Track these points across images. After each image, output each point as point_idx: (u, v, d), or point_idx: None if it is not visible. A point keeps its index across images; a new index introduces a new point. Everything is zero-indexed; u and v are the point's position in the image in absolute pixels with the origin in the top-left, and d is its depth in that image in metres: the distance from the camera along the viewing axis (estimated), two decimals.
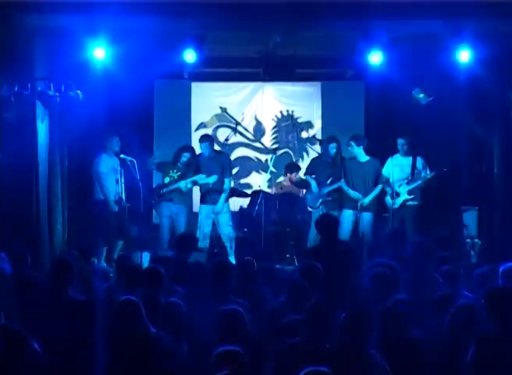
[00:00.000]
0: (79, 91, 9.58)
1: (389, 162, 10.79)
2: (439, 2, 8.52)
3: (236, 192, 11.35)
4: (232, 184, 11.23)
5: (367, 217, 10.41)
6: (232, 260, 9.82)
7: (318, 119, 12.71)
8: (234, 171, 12.10)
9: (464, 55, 9.35)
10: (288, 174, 11.48)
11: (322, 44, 10.16)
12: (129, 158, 10.36)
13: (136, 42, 9.43)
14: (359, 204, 10.34)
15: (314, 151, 12.09)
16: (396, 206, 10.58)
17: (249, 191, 11.73)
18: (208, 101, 12.68)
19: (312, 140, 12.41)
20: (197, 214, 11.47)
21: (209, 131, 12.62)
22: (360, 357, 4.76)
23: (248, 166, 12.68)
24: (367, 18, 8.75)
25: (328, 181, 10.70)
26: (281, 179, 11.97)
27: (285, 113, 12.73)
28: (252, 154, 12.62)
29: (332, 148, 10.79)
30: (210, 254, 9.72)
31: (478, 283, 6.58)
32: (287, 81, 12.33)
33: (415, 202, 10.71)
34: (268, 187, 11.99)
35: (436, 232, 8.34)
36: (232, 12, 8.56)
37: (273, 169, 12.07)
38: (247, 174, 12.65)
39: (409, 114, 11.30)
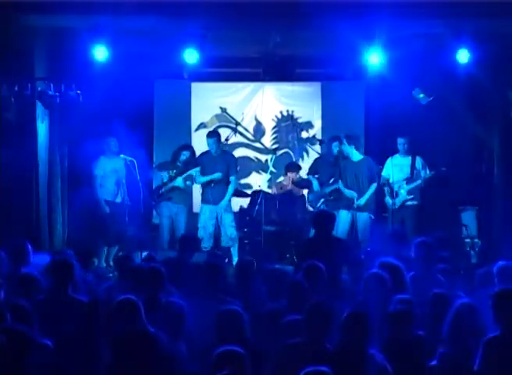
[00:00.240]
0: (79, 91, 9.59)
1: (389, 162, 10.80)
2: (439, 2, 8.52)
3: (236, 192, 11.35)
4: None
5: (363, 217, 10.42)
6: (235, 260, 9.84)
7: (318, 119, 12.70)
8: None
9: (464, 55, 9.35)
10: (288, 174, 11.48)
11: (322, 44, 10.16)
12: (129, 158, 10.37)
13: (136, 42, 9.44)
14: (355, 205, 10.35)
15: (314, 151, 12.09)
16: (396, 206, 10.59)
17: (249, 191, 11.72)
18: (208, 101, 12.67)
19: (312, 140, 12.40)
20: (197, 214, 11.48)
21: None
22: (360, 357, 4.75)
23: (248, 166, 12.67)
24: (367, 18, 8.75)
25: (331, 181, 10.71)
26: (281, 179, 11.97)
27: (285, 113, 12.72)
28: (252, 154, 12.61)
29: (335, 147, 10.81)
30: (210, 254, 9.70)
31: (478, 283, 6.58)
32: (287, 81, 12.32)
33: (415, 202, 10.72)
34: (268, 187, 11.99)
35: (436, 232, 8.31)
36: (232, 12, 8.56)
37: (273, 169, 12.07)
38: (247, 174, 12.64)
39: (409, 114, 11.30)
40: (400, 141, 10.79)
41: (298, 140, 12.53)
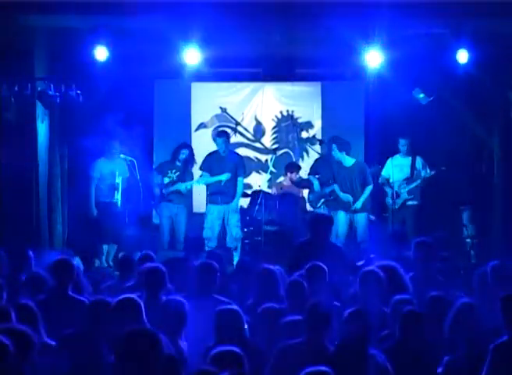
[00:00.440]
0: (79, 91, 9.59)
1: (389, 162, 10.82)
2: (439, 2, 8.52)
3: None
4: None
5: (361, 218, 10.43)
6: (236, 260, 9.85)
7: (318, 119, 12.70)
8: None
9: (464, 55, 9.34)
10: (288, 174, 11.47)
11: (322, 44, 10.15)
12: (129, 158, 10.37)
13: (136, 42, 9.44)
14: (352, 208, 10.38)
15: (314, 151, 12.08)
16: (397, 206, 10.60)
17: (249, 191, 11.72)
18: (208, 101, 12.67)
19: (312, 140, 12.39)
20: (197, 214, 11.49)
21: (209, 131, 12.63)
22: (361, 357, 4.75)
23: (248, 166, 12.65)
24: (367, 18, 8.75)
25: (331, 181, 10.71)
26: (281, 179, 11.97)
27: (285, 113, 12.72)
28: (252, 154, 12.61)
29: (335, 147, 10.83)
30: (209, 254, 9.72)
31: (475, 284, 6.58)
32: (287, 81, 12.31)
33: (415, 202, 10.73)
34: (268, 187, 11.98)
35: (436, 232, 8.32)
36: (233, 12, 8.56)
37: (273, 169, 12.06)
38: (247, 174, 12.64)
39: (409, 114, 11.30)
40: (402, 141, 10.81)
41: (298, 140, 12.51)
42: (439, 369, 5.04)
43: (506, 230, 10.46)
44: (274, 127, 12.77)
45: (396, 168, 10.76)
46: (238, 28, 9.35)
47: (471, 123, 11.37)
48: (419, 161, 10.84)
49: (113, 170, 10.46)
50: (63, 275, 6.14)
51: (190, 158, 10.84)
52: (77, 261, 8.73)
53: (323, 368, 4.06)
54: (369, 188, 10.49)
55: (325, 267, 6.43)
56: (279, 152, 12.42)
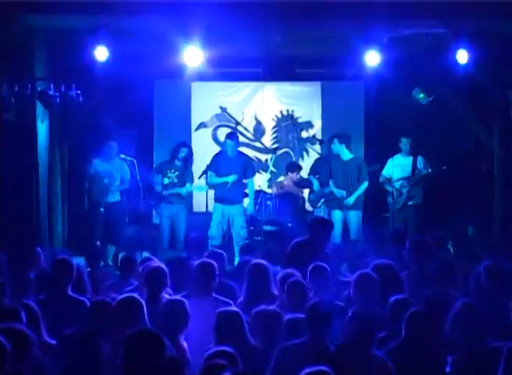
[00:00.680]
0: (79, 91, 9.59)
1: (390, 162, 10.83)
2: (439, 2, 8.51)
3: None
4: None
5: (353, 216, 10.45)
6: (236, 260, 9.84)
7: (318, 119, 12.70)
8: None
9: (464, 55, 9.34)
10: (289, 174, 11.48)
11: (322, 44, 10.15)
12: (129, 158, 10.37)
13: (136, 42, 9.43)
14: (344, 202, 10.37)
15: (314, 151, 12.09)
16: (398, 206, 10.61)
17: (246, 191, 11.71)
18: (208, 101, 12.67)
19: (312, 140, 12.39)
20: (197, 214, 11.50)
21: (209, 131, 12.65)
22: (364, 357, 4.74)
23: None
24: (366, 18, 8.74)
25: (331, 181, 10.72)
26: (281, 178, 11.97)
27: (285, 113, 12.72)
28: (252, 154, 12.60)
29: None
30: (210, 253, 9.72)
31: (473, 283, 6.58)
32: (287, 81, 12.31)
33: (416, 202, 10.73)
34: (268, 186, 11.99)
35: (436, 231, 8.32)
36: (233, 12, 8.55)
37: (273, 169, 12.06)
38: None
39: (409, 114, 11.30)
40: (404, 140, 10.83)
41: (298, 140, 12.52)
42: (447, 369, 5.05)
43: (507, 230, 10.45)
44: (274, 127, 12.78)
45: (397, 168, 10.76)
46: (238, 28, 9.34)
47: (471, 123, 11.37)
48: (420, 160, 10.84)
49: (109, 170, 10.46)
50: (63, 275, 6.14)
51: (190, 157, 10.85)
52: (81, 261, 8.77)
53: (323, 368, 4.06)
54: (364, 184, 10.51)
55: (327, 267, 6.44)
56: (279, 152, 12.42)
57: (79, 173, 10.85)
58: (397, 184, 10.68)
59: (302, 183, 11.37)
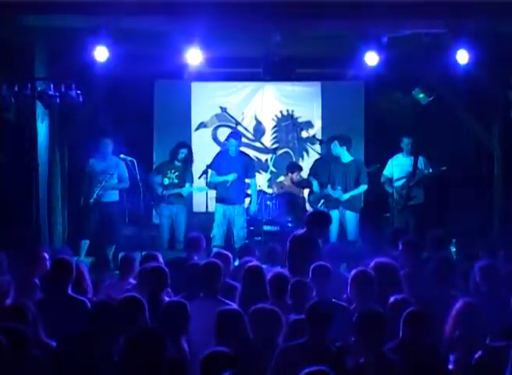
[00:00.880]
0: (79, 91, 9.59)
1: (390, 162, 10.83)
2: (439, 2, 8.51)
3: None
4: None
5: (350, 217, 10.45)
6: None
7: (318, 119, 12.71)
8: None
9: (464, 55, 9.33)
10: (289, 174, 11.49)
11: (322, 44, 10.15)
12: (129, 158, 10.37)
13: (137, 42, 9.43)
14: (339, 198, 10.36)
15: (314, 151, 12.09)
16: (399, 206, 10.61)
17: (249, 191, 11.72)
18: (208, 101, 12.67)
19: (312, 140, 12.40)
20: (197, 214, 11.50)
21: (209, 131, 12.65)
22: (374, 356, 4.73)
23: None
24: (367, 18, 8.74)
25: (329, 186, 10.71)
26: (281, 178, 11.97)
27: (285, 113, 12.73)
28: (252, 153, 12.59)
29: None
30: (215, 254, 9.73)
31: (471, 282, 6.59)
32: (287, 81, 12.31)
33: (417, 202, 10.73)
34: (268, 186, 12.00)
35: (436, 231, 8.32)
36: (233, 12, 8.55)
37: (273, 169, 12.06)
38: None
39: (409, 114, 11.30)
40: (405, 140, 10.83)
41: (298, 140, 12.53)
42: (450, 366, 5.06)
43: (507, 230, 10.44)
44: (274, 127, 12.78)
45: (398, 168, 10.77)
46: (238, 28, 9.34)
47: (470, 123, 11.37)
48: (421, 160, 10.85)
49: (105, 168, 10.46)
50: (62, 275, 6.14)
51: (189, 158, 10.85)
52: (83, 261, 8.77)
53: (323, 368, 4.06)
54: (363, 187, 10.50)
55: (329, 266, 6.44)
56: (279, 152, 12.43)
57: (79, 172, 10.84)
58: (398, 184, 10.68)
59: (302, 184, 11.37)
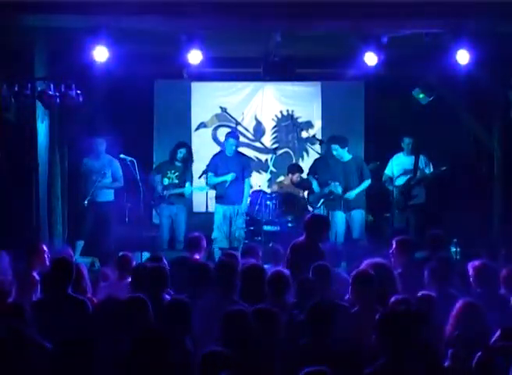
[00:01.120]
0: (79, 91, 9.59)
1: (391, 162, 10.83)
2: (439, 2, 8.51)
3: None
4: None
5: (357, 215, 10.44)
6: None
7: (318, 119, 12.72)
8: None
9: (464, 55, 9.33)
10: (290, 175, 11.49)
11: (322, 44, 10.15)
12: (129, 158, 10.37)
13: (136, 42, 9.43)
14: (345, 197, 10.34)
15: (314, 151, 12.09)
16: (400, 206, 10.62)
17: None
18: (208, 100, 12.68)
19: (312, 140, 12.40)
20: (197, 214, 11.50)
21: (209, 131, 12.66)
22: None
23: None
24: (367, 18, 8.73)
25: (330, 181, 10.71)
26: (281, 178, 11.97)
27: (285, 113, 12.73)
28: (252, 154, 12.61)
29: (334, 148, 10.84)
30: (224, 254, 9.73)
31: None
32: (287, 81, 12.31)
33: (419, 201, 10.74)
34: (268, 186, 12.00)
35: (435, 231, 8.32)
36: (233, 12, 8.54)
37: (273, 169, 12.07)
38: None
39: (409, 114, 11.30)
40: (406, 140, 10.86)
41: (298, 140, 12.54)
42: (446, 363, 5.05)
43: (507, 230, 10.45)
44: (274, 127, 12.79)
45: (399, 167, 10.77)
46: (238, 28, 9.34)
47: (471, 123, 11.37)
48: (422, 160, 10.85)
49: (98, 167, 10.46)
50: (63, 275, 6.13)
51: (189, 157, 10.85)
52: (83, 261, 8.77)
53: (323, 368, 4.06)
54: (367, 182, 10.51)
55: (329, 266, 6.44)
56: (279, 152, 12.43)
57: (79, 172, 10.84)
58: (399, 183, 10.68)
59: (302, 184, 11.37)
